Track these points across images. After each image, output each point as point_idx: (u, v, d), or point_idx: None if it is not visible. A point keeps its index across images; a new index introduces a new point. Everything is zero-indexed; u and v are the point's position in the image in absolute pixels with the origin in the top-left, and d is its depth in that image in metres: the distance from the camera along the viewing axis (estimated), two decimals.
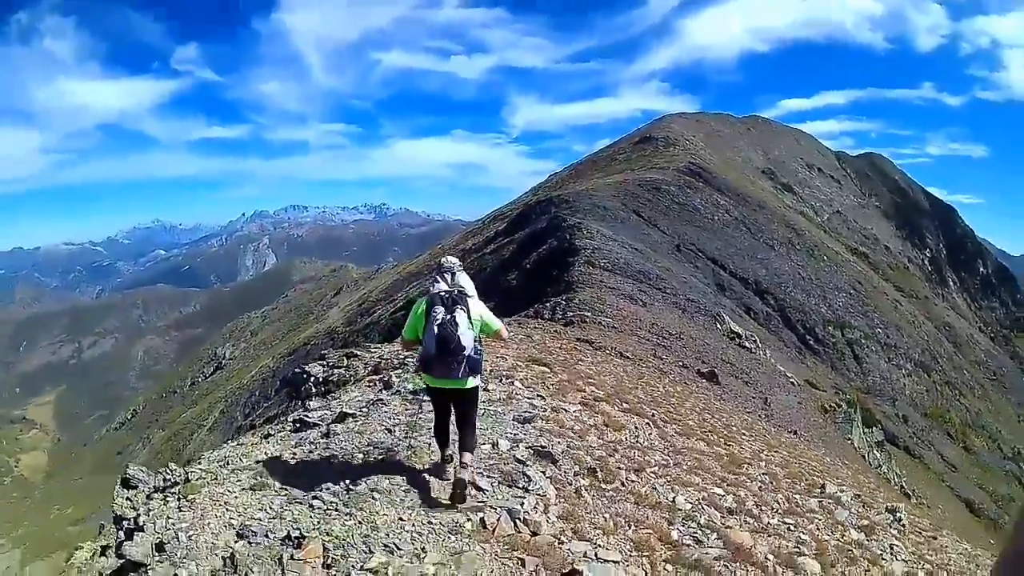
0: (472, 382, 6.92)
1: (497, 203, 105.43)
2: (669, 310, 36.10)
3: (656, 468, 8.87)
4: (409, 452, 7.83)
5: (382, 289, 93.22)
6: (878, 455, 36.90)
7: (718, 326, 37.38)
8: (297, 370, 16.59)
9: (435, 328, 6.71)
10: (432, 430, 7.69)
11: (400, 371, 12.52)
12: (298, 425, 9.52)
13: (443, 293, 7.00)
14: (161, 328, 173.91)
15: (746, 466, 11.01)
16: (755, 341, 38.22)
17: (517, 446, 8.37)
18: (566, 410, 10.70)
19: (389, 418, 9.35)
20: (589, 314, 28.29)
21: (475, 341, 6.86)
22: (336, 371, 14.59)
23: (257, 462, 7.69)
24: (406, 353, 13.14)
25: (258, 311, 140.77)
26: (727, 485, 9.00)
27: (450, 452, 7.50)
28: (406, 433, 8.56)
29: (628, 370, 18.90)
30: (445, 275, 7.26)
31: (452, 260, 7.58)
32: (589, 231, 46.22)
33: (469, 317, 6.89)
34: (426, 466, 7.53)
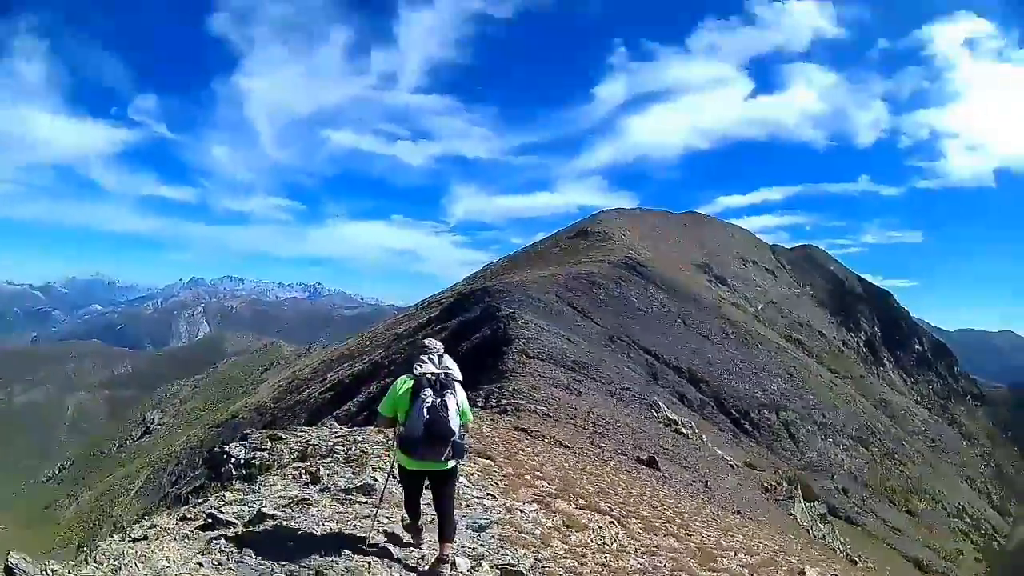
0: (452, 463, 6.88)
1: (432, 290, 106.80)
2: (604, 399, 37.16)
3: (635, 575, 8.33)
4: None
5: (312, 368, 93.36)
6: (822, 527, 38.24)
7: (655, 413, 38.63)
8: (217, 448, 15.55)
9: (424, 412, 6.58)
10: (402, 506, 7.54)
11: (329, 460, 11.45)
12: (210, 521, 7.82)
13: (431, 375, 6.84)
14: (93, 384, 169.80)
15: (720, 559, 10.86)
16: (692, 427, 39.74)
17: (480, 564, 7.23)
18: (522, 510, 9.85)
19: (317, 523, 7.78)
20: (524, 402, 28.56)
21: (460, 427, 6.82)
22: (259, 454, 13.46)
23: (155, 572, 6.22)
24: (335, 440, 13.14)
25: (188, 379, 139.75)
26: None
27: (421, 523, 7.56)
28: (337, 547, 7.00)
29: (569, 460, 19.03)
30: (432, 356, 7.04)
31: (436, 342, 7.30)
32: (524, 321, 47.59)
33: (458, 402, 6.83)
34: None
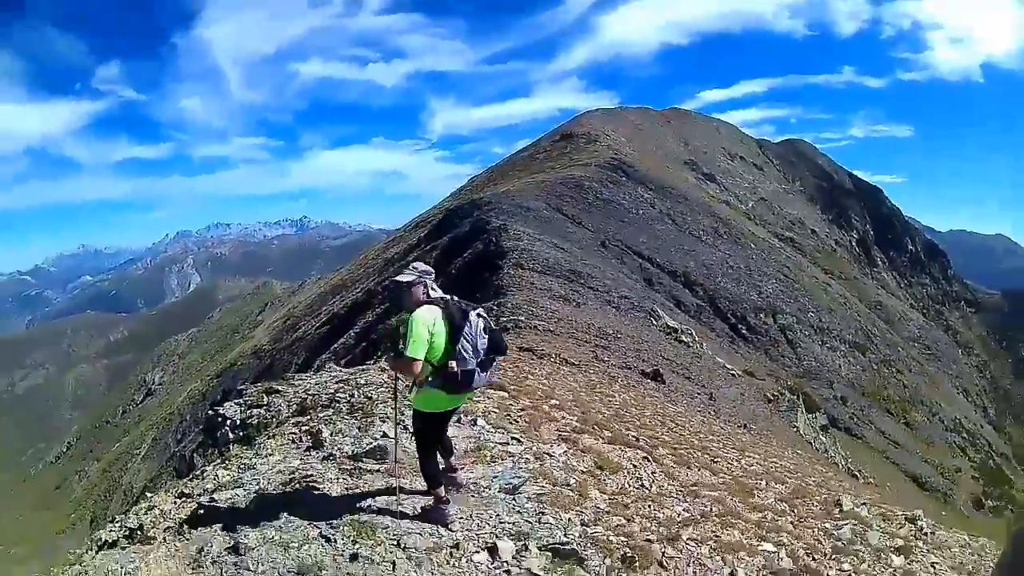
0: None
1: (419, 210, 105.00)
2: (603, 309, 36.23)
3: (687, 528, 7.58)
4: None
5: (306, 304, 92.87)
6: (824, 440, 37.83)
7: (653, 322, 37.71)
8: (211, 412, 14.71)
9: (484, 336, 6.28)
10: (429, 455, 6.60)
11: (331, 412, 10.40)
12: (200, 512, 6.91)
13: (455, 300, 6.51)
14: (91, 356, 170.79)
15: (757, 493, 10.40)
16: (692, 335, 38.81)
17: (526, 547, 6.22)
18: (550, 454, 9.12)
19: (323, 508, 6.66)
20: (523, 318, 27.92)
21: None
22: (255, 411, 12.64)
23: None
24: (336, 386, 12.45)
25: (185, 333, 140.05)
26: (765, 532, 8.11)
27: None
28: (353, 540, 6.04)
29: (578, 379, 18.52)
30: (433, 282, 6.63)
31: (426, 266, 6.81)
32: (516, 233, 46.38)
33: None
34: None
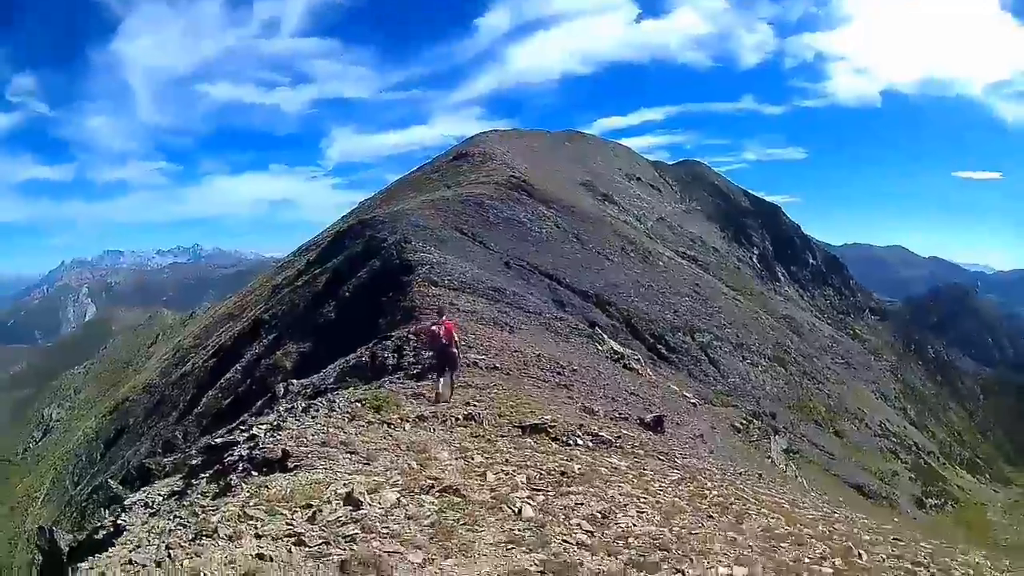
0: None
1: (308, 237, 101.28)
2: (540, 333, 32.57)
3: None
4: None
5: (195, 336, 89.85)
6: (793, 466, 35.87)
7: (598, 347, 34.62)
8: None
9: None
10: None
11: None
12: None
13: None
14: None
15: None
16: (639, 360, 35.96)
17: None
18: None
19: None
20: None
21: None
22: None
23: None
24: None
25: (81, 366, 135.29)
26: None
27: None
28: None
29: (603, 467, 11.84)
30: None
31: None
32: (422, 246, 42.95)
33: None
34: None
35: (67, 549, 13.36)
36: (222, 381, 49.63)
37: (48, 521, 64.44)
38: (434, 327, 17.34)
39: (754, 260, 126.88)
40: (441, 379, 16.81)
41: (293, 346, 42.07)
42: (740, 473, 18.26)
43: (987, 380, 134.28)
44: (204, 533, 7.14)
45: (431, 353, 17.60)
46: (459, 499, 8.42)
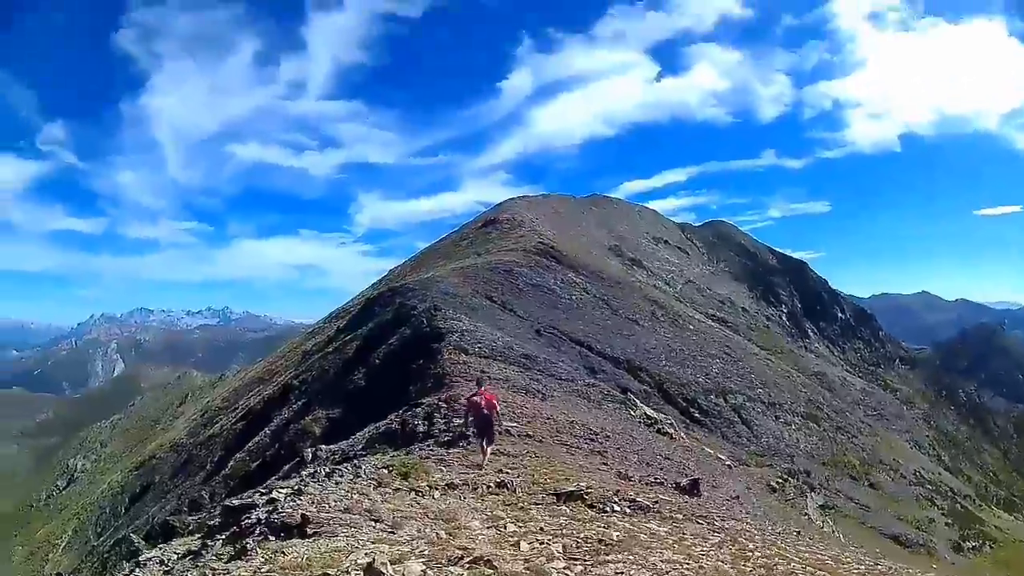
0: None
1: (337, 304, 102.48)
2: (573, 400, 32.55)
3: None
4: None
5: (224, 397, 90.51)
6: (830, 521, 35.43)
7: (631, 413, 34.52)
8: None
9: None
10: None
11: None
12: None
13: None
14: (17, 436, 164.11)
15: None
16: (672, 425, 35.78)
17: None
18: None
19: None
20: None
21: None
22: None
23: None
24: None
25: (108, 420, 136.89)
26: None
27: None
28: None
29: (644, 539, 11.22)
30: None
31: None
32: (452, 313, 43.12)
33: None
34: None
35: None
36: (250, 444, 49.96)
37: (68, 569, 66.53)
38: (475, 397, 17.69)
39: (783, 318, 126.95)
40: (480, 447, 17.35)
41: (322, 412, 42.24)
42: (779, 532, 18.14)
43: (1020, 417, 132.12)
44: None
45: (473, 423, 17.79)
46: (490, 571, 7.77)
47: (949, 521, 63.49)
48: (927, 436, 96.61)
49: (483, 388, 18.50)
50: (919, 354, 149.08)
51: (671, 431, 33.96)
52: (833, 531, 32.84)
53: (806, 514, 30.07)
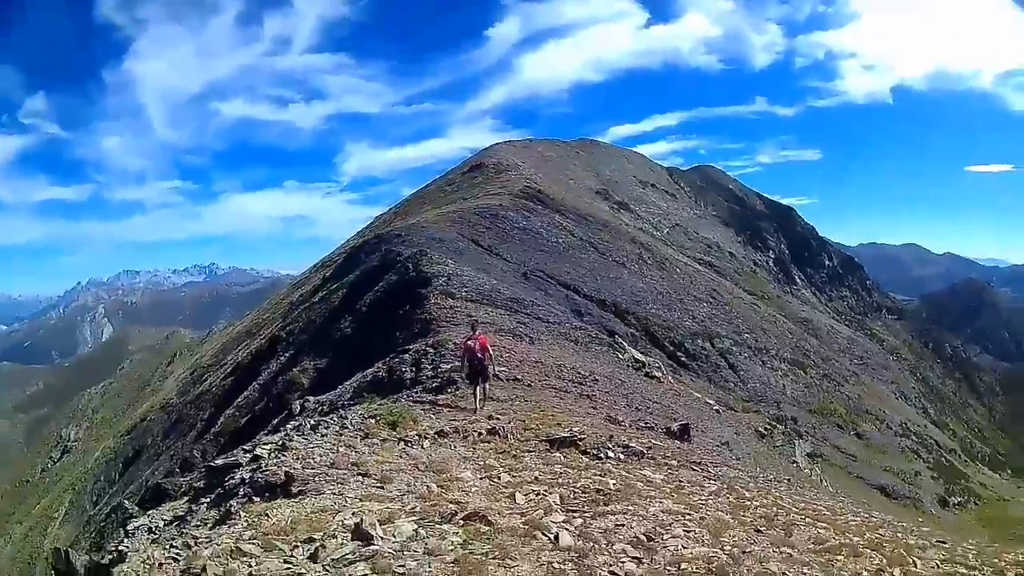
0: None
1: (324, 253, 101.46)
2: (560, 344, 32.19)
3: None
4: None
5: (212, 354, 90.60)
6: (818, 470, 35.52)
7: (620, 356, 34.21)
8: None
9: None
10: None
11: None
12: None
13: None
14: (8, 411, 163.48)
15: None
16: (660, 368, 35.53)
17: None
18: None
19: None
20: None
21: None
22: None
23: None
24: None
25: (98, 386, 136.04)
26: None
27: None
28: None
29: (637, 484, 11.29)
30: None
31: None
32: (439, 258, 42.51)
33: None
34: None
35: (83, 571, 13.03)
36: (239, 399, 49.62)
37: (67, 541, 64.93)
38: (469, 341, 17.78)
39: (770, 264, 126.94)
40: (473, 392, 17.44)
41: (310, 363, 41.78)
42: (771, 480, 17.97)
43: (1005, 375, 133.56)
44: (192, 572, 6.66)
45: (466, 367, 17.70)
46: (486, 527, 7.57)
47: (935, 475, 64.68)
48: (913, 388, 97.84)
49: (477, 332, 18.33)
50: (906, 305, 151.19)
51: (658, 374, 33.78)
52: (821, 480, 32.92)
53: (794, 461, 30.24)
